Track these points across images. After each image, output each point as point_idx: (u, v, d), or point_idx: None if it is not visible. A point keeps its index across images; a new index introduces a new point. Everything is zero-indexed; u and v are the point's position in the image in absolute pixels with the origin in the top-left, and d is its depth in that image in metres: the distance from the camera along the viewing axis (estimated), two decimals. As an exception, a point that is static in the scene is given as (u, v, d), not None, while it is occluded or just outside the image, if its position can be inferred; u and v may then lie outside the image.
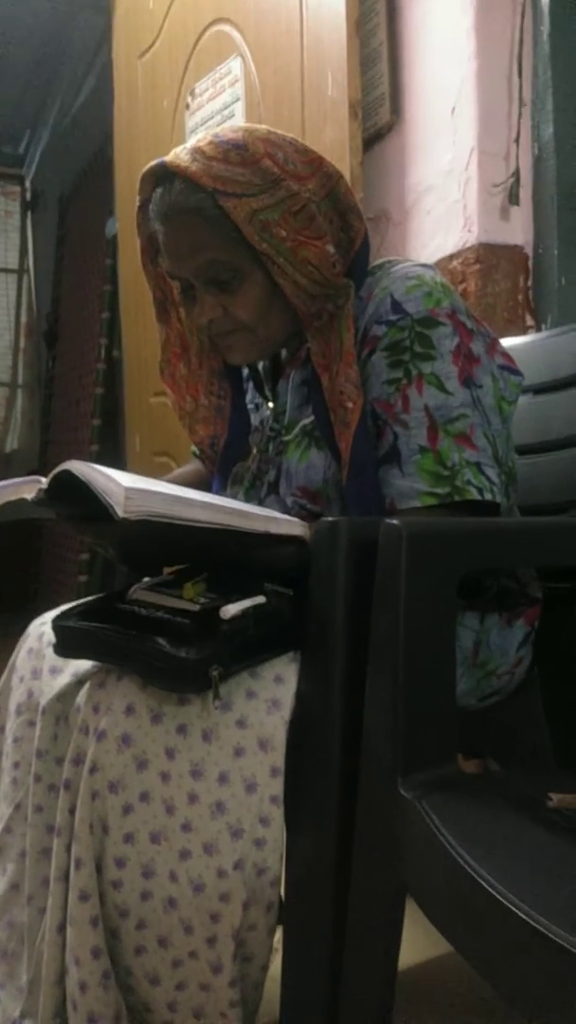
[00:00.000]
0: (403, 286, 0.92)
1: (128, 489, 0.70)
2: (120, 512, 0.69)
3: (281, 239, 0.91)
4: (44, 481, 0.82)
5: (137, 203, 0.97)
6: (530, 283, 1.65)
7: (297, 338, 1.01)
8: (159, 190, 0.93)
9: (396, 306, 0.92)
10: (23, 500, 0.85)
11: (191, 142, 0.93)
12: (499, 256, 1.61)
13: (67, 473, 0.76)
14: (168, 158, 0.92)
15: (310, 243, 0.92)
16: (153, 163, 0.94)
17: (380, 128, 1.79)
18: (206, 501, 0.77)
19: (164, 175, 0.93)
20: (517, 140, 1.61)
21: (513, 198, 1.60)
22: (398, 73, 1.76)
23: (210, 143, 0.91)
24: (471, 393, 0.91)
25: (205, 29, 2.07)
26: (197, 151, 0.91)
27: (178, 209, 0.91)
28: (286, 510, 0.98)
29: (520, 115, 1.61)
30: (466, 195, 1.61)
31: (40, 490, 0.82)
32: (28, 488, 0.84)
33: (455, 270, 1.63)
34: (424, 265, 0.97)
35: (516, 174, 1.61)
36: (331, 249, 0.93)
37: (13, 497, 0.86)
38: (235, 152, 0.90)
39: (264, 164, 0.90)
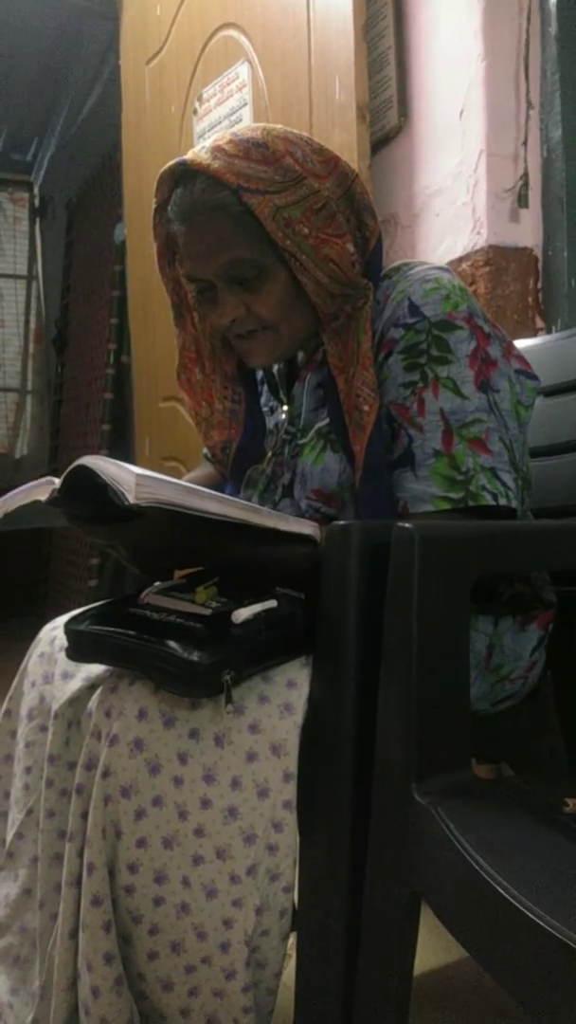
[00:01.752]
0: (421, 289, 0.92)
1: (139, 476, 0.71)
2: (131, 498, 0.70)
3: (304, 236, 0.90)
4: (57, 482, 0.82)
5: (154, 205, 0.97)
6: (540, 285, 1.65)
7: (314, 340, 1.01)
8: (179, 190, 0.93)
9: (414, 309, 0.91)
10: (37, 502, 0.85)
11: (209, 142, 0.93)
12: (509, 258, 1.61)
13: (80, 469, 0.77)
14: (188, 156, 0.92)
15: (331, 240, 0.92)
16: (172, 163, 0.93)
17: (388, 131, 1.79)
18: (216, 495, 0.77)
19: (184, 174, 0.92)
20: (525, 143, 1.61)
21: (522, 200, 1.60)
22: (406, 76, 1.76)
23: (230, 141, 0.91)
24: (488, 397, 0.90)
25: (212, 34, 2.07)
26: (218, 149, 0.91)
27: (201, 207, 0.91)
28: (300, 513, 0.98)
29: (528, 117, 1.61)
30: (475, 198, 1.61)
31: (54, 490, 0.82)
32: (42, 490, 0.84)
33: (464, 273, 1.63)
34: (441, 268, 0.96)
35: (525, 176, 1.60)
36: (351, 247, 0.93)
37: (27, 500, 0.86)
38: (256, 150, 0.90)
39: (285, 162, 0.90)
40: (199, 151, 0.92)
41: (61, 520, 0.92)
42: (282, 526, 0.82)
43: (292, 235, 0.90)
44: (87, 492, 0.80)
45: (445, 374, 0.89)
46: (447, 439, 0.88)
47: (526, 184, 1.61)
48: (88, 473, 0.76)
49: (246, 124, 0.94)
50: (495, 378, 0.92)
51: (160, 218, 0.98)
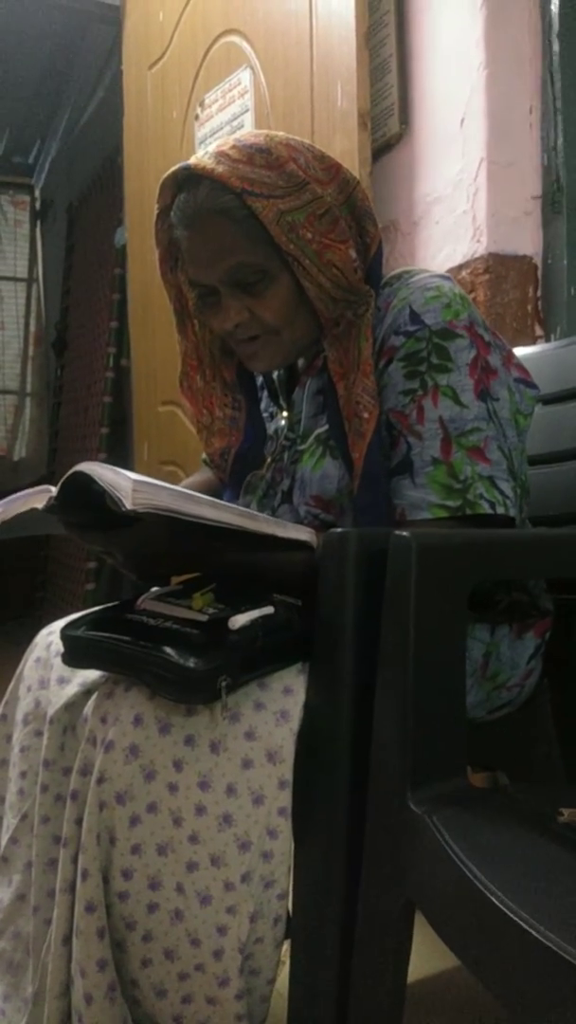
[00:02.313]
0: (422, 297, 0.92)
1: (136, 482, 0.72)
2: (128, 504, 0.70)
3: (307, 241, 0.91)
4: (54, 490, 0.82)
5: (156, 210, 0.97)
6: (539, 293, 1.65)
7: (314, 346, 1.01)
8: (182, 195, 0.93)
9: (414, 317, 0.92)
10: (34, 510, 0.85)
11: (212, 147, 0.93)
12: (508, 266, 1.61)
13: (77, 475, 0.77)
14: (192, 161, 0.92)
15: (334, 246, 0.92)
16: (175, 168, 0.93)
17: (389, 139, 1.79)
18: (213, 501, 0.77)
19: (188, 179, 0.92)
20: (555, 148, 1.61)
21: (556, 205, 1.61)
22: (407, 84, 1.76)
23: (233, 147, 0.91)
24: (487, 406, 0.90)
25: (215, 40, 2.08)
26: (221, 155, 0.91)
27: (205, 212, 0.91)
28: (299, 520, 0.98)
29: (531, 125, 1.62)
30: (475, 206, 1.61)
31: (51, 498, 0.82)
32: (39, 498, 0.84)
33: (464, 280, 1.63)
34: (442, 276, 0.96)
35: (557, 182, 1.61)
36: (353, 253, 0.94)
37: (24, 508, 0.86)
38: (260, 155, 0.90)
39: (289, 167, 0.90)
40: (202, 156, 0.92)
41: (59, 528, 0.92)
42: (279, 532, 0.82)
43: (296, 239, 0.90)
44: (84, 498, 0.80)
45: (445, 382, 0.90)
46: (446, 447, 0.88)
47: (559, 190, 1.61)
48: (85, 479, 0.76)
49: (248, 130, 0.94)
50: (495, 387, 0.92)
51: (162, 224, 0.98)
